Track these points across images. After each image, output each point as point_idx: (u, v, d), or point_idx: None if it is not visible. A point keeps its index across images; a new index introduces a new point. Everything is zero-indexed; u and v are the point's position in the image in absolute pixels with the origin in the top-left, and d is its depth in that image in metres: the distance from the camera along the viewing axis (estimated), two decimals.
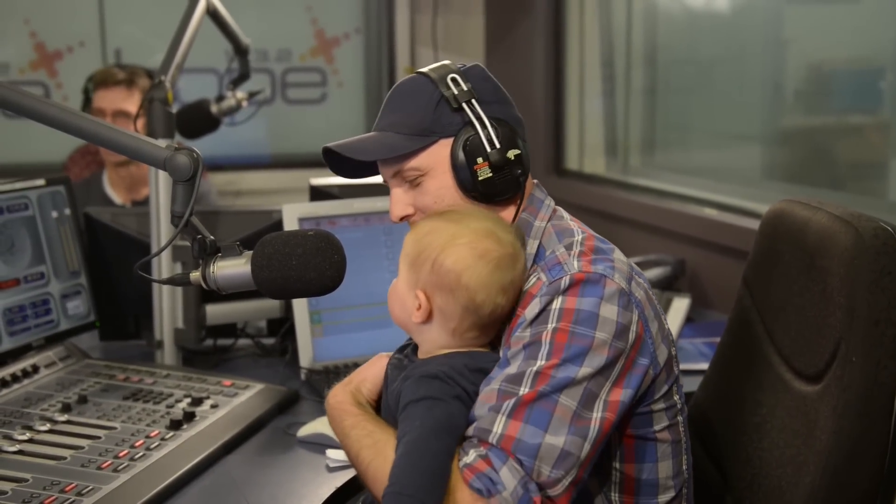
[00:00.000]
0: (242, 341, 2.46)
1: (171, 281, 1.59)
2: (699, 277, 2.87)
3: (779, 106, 3.23)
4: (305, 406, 2.04)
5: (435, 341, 1.44)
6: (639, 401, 1.42)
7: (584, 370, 1.34)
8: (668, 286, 2.75)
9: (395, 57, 4.20)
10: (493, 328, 1.44)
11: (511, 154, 1.50)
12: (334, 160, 1.55)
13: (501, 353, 1.42)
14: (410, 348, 1.51)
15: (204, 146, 3.45)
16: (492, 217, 1.46)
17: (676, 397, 1.49)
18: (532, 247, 1.50)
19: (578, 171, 3.85)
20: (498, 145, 1.49)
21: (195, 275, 1.56)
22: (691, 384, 2.15)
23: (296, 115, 4.38)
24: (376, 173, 1.59)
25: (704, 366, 2.22)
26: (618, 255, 1.47)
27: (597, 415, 1.34)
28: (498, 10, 4.14)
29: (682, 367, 2.22)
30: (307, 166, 4.19)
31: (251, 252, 1.53)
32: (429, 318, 1.42)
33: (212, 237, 1.56)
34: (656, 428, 1.45)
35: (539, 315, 1.39)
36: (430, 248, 1.42)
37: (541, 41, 3.83)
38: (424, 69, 1.55)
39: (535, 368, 1.34)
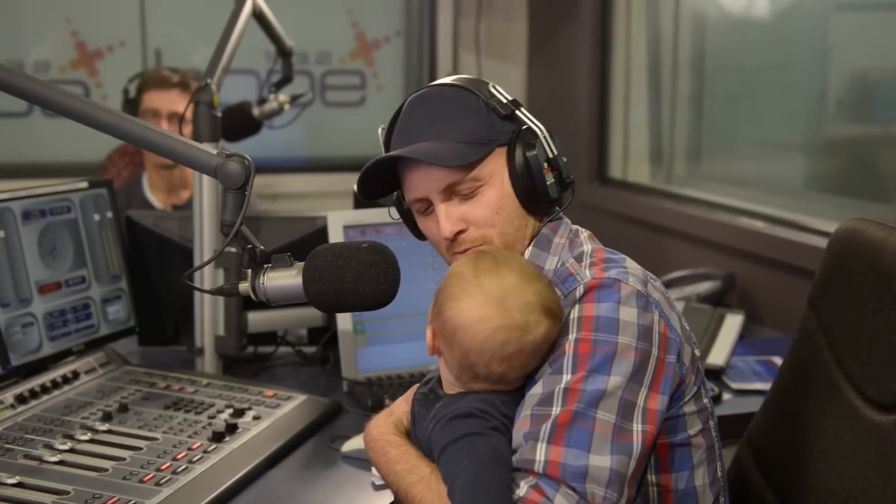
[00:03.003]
0: (283, 349, 2.42)
1: (221, 291, 1.55)
2: (749, 292, 2.80)
3: (823, 115, 3.16)
4: (348, 419, 1.99)
5: (447, 378, 1.40)
6: (670, 404, 1.36)
7: (614, 379, 1.29)
8: (718, 301, 2.68)
9: (436, 61, 4.15)
10: (506, 384, 1.35)
11: (563, 160, 1.48)
12: (364, 176, 1.48)
13: None
14: (436, 380, 1.45)
15: (242, 148, 3.41)
16: (526, 275, 1.35)
17: (705, 400, 1.44)
18: (552, 263, 1.46)
19: (622, 180, 3.78)
20: (556, 151, 1.46)
21: (244, 285, 1.52)
22: (746, 405, 2.10)
23: (334, 118, 4.34)
24: (387, 195, 1.55)
25: (759, 385, 2.18)
26: (630, 263, 1.44)
27: (637, 427, 1.29)
28: (542, 15, 4.09)
29: (736, 386, 2.19)
30: (345, 170, 4.16)
31: (302, 263, 1.49)
32: (439, 354, 1.38)
33: (262, 247, 1.51)
34: (690, 432, 1.40)
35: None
36: (444, 291, 1.36)
37: (585, 46, 3.76)
38: (446, 81, 1.51)
39: (562, 385, 1.30)
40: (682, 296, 2.64)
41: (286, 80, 2.94)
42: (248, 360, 2.35)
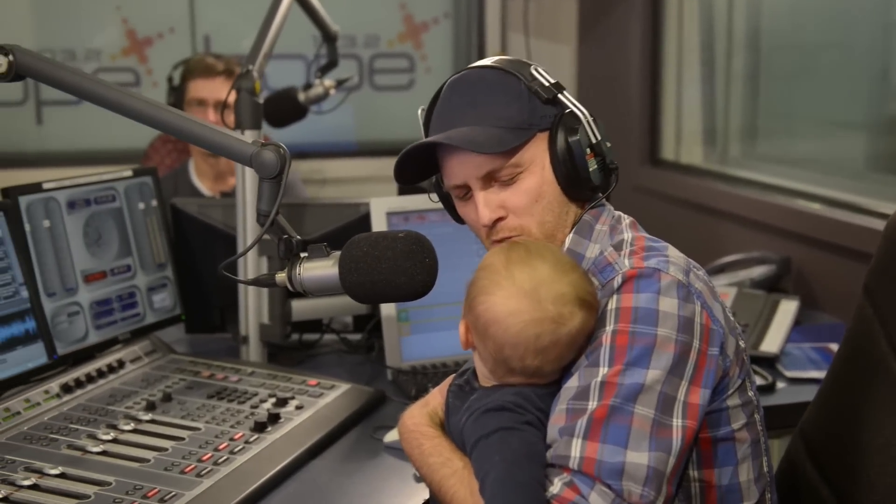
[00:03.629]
0: (328, 337, 2.41)
1: (257, 282, 1.54)
2: (805, 277, 2.72)
3: (886, 93, 3.05)
4: (392, 408, 1.97)
5: (482, 372, 1.36)
6: (713, 397, 1.31)
7: (653, 373, 1.24)
8: (772, 286, 2.61)
9: (484, 42, 4.10)
10: (541, 377, 1.31)
11: (607, 145, 1.43)
12: (401, 161, 1.45)
13: None
14: (471, 371, 1.41)
15: (289, 134, 3.45)
16: (560, 265, 1.31)
17: (751, 393, 1.39)
18: (593, 250, 1.41)
19: (675, 162, 3.69)
20: (599, 136, 1.42)
21: (281, 276, 1.50)
22: (801, 394, 2.04)
23: (383, 102, 4.31)
24: (426, 179, 1.51)
25: (814, 374, 2.11)
26: (672, 251, 1.38)
27: (677, 422, 1.25)
28: None
29: (791, 374, 2.13)
30: (394, 154, 4.12)
31: (339, 253, 1.46)
32: (473, 348, 1.35)
33: (298, 237, 1.49)
34: (734, 426, 1.35)
35: (596, 319, 1.30)
36: (475, 284, 1.32)
37: (637, 25, 3.68)
38: (488, 63, 1.46)
39: (599, 378, 1.25)
40: (736, 281, 2.57)
41: (331, 64, 2.92)
42: (292, 348, 2.34)
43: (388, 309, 2.14)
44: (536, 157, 1.40)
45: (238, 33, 4.03)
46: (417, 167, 1.48)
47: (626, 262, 1.34)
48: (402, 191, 2.39)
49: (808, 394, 1.95)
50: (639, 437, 1.22)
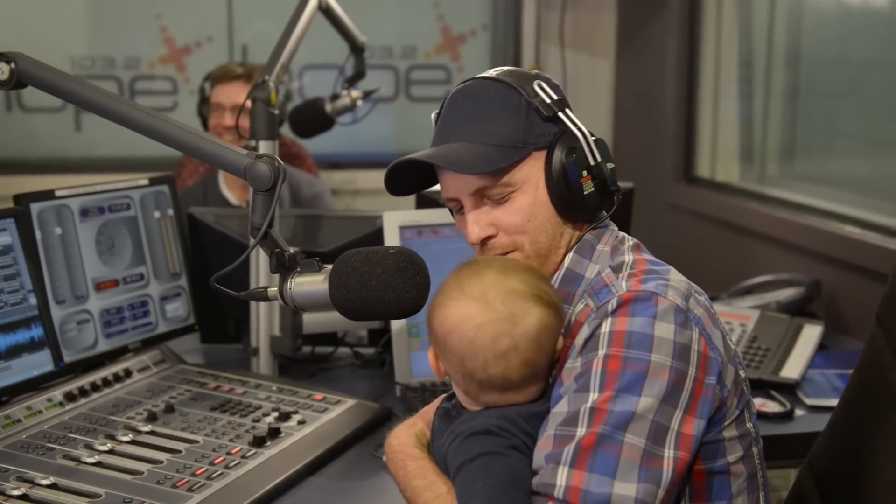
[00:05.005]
0: (342, 350, 2.39)
1: (250, 296, 1.52)
2: (836, 301, 2.64)
3: None
4: (397, 425, 1.94)
5: (460, 396, 1.32)
6: (708, 428, 1.26)
7: (645, 401, 1.20)
8: (800, 309, 2.53)
9: (520, 55, 4.06)
10: (517, 391, 1.28)
11: (608, 167, 1.38)
12: (392, 174, 1.42)
13: (554, 389, 1.29)
14: None
15: (325, 144, 3.45)
16: (507, 268, 1.29)
17: (749, 424, 1.34)
18: (592, 270, 1.37)
19: (710, 179, 3.62)
20: (599, 158, 1.37)
21: (273, 290, 1.48)
22: (820, 422, 1.94)
23: (419, 114, 4.29)
24: (425, 188, 1.47)
25: (835, 401, 2.02)
26: (674, 274, 1.33)
27: (669, 453, 1.20)
28: (630, 7, 3.96)
29: (811, 402, 2.06)
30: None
31: (330, 268, 1.44)
32: (447, 373, 1.31)
33: (291, 251, 1.47)
34: (730, 459, 1.30)
35: (588, 341, 1.26)
36: (431, 304, 1.30)
37: (674, 39, 3.62)
38: (493, 74, 1.42)
39: (588, 405, 1.21)
40: (762, 303, 2.50)
41: (359, 75, 2.90)
42: (305, 361, 2.32)
43: (398, 324, 2.11)
44: (531, 177, 1.37)
45: (275, 43, 4.03)
46: (412, 178, 1.45)
47: (623, 284, 1.30)
48: (420, 204, 2.36)
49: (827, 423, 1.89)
50: (628, 468, 1.18)
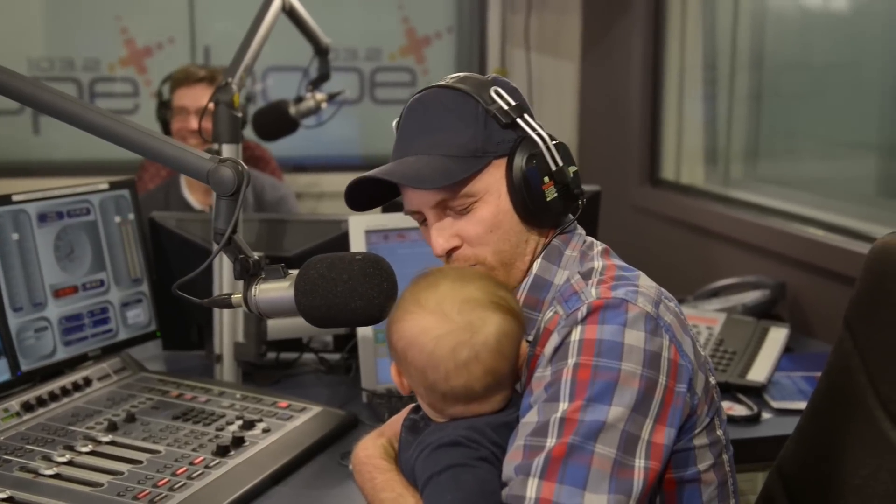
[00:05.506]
0: (307, 356, 2.36)
1: (213, 303, 1.49)
2: (800, 303, 2.65)
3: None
4: (364, 433, 1.89)
5: (426, 409, 1.30)
6: (679, 436, 1.25)
7: (616, 410, 1.18)
8: (766, 311, 2.54)
9: (486, 57, 4.05)
10: (483, 401, 1.25)
11: (571, 171, 1.37)
12: (352, 190, 1.40)
13: (523, 399, 1.28)
14: None
15: (289, 147, 3.41)
16: (463, 277, 1.28)
17: (720, 432, 1.33)
18: (561, 277, 1.36)
19: (675, 182, 3.63)
20: (560, 162, 1.36)
21: (237, 297, 1.46)
22: (787, 425, 1.94)
23: (384, 116, 4.27)
24: (388, 201, 1.45)
25: (802, 404, 2.02)
26: (644, 280, 1.32)
27: (640, 463, 1.18)
28: (595, 9, 3.96)
29: (778, 405, 2.06)
30: None
31: (296, 274, 1.41)
32: (411, 389, 1.29)
33: (255, 256, 1.45)
34: (700, 467, 1.29)
35: (557, 350, 1.25)
36: (388, 319, 1.29)
37: (639, 41, 3.63)
38: (448, 82, 1.39)
39: (558, 414, 1.19)
40: (728, 306, 2.51)
41: (323, 77, 2.88)
42: (269, 368, 2.29)
43: (364, 329, 2.09)
44: (492, 186, 1.35)
45: (238, 45, 3.99)
46: (377, 192, 1.43)
47: (593, 291, 1.28)
48: (385, 208, 2.33)
49: (794, 426, 1.88)
50: (598, 478, 1.16)
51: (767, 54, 3.42)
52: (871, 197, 2.98)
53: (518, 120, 1.35)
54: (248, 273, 1.44)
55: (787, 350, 2.28)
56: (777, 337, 2.20)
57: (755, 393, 2.10)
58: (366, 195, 1.42)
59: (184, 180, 3.18)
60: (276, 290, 1.42)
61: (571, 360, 1.22)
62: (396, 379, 1.30)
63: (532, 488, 1.16)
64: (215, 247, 2.08)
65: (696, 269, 3.14)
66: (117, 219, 2.15)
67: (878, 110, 3.00)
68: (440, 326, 1.22)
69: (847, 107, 3.08)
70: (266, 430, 1.82)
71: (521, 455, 1.19)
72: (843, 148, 3.15)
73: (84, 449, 1.70)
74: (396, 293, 1.39)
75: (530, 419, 1.22)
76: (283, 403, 1.95)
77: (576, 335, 1.24)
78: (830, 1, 3.21)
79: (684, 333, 1.28)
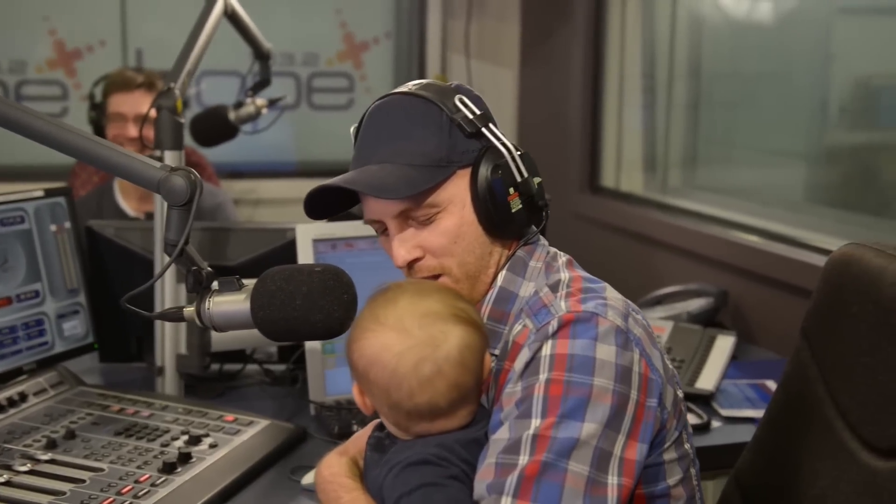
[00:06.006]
0: (251, 367, 2.30)
1: (163, 316, 1.44)
2: (743, 311, 2.68)
3: (825, 123, 3.05)
4: (313, 446, 1.87)
5: (391, 429, 1.27)
6: (649, 451, 1.24)
7: (589, 426, 1.16)
8: (710, 319, 2.56)
9: (425, 63, 4.03)
10: (448, 417, 1.23)
11: (536, 182, 1.35)
12: (311, 198, 1.37)
13: (493, 415, 1.25)
14: None
15: (224, 153, 3.34)
16: (421, 291, 1.26)
17: (687, 446, 1.33)
18: (527, 289, 1.34)
19: (615, 189, 3.65)
20: (526, 173, 1.33)
21: (189, 310, 1.41)
22: (736, 434, 1.98)
23: (321, 122, 4.22)
24: (346, 209, 1.42)
25: (750, 412, 2.06)
26: (611, 292, 1.31)
27: (613, 480, 1.17)
28: (535, 16, 3.97)
29: (727, 413, 2.07)
30: (332, 174, 4.03)
31: (252, 286, 1.37)
32: (374, 409, 1.26)
33: (209, 268, 1.40)
34: (670, 482, 1.28)
35: (528, 365, 1.22)
36: (348, 338, 1.26)
37: (579, 49, 3.64)
38: (411, 89, 1.36)
39: (531, 431, 1.17)
40: (672, 314, 2.52)
41: (264, 83, 2.82)
42: (212, 380, 2.23)
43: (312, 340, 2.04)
44: (456, 197, 1.32)
45: (172, 48, 3.88)
46: (335, 200, 1.39)
47: (563, 304, 1.26)
48: (334, 217, 2.29)
49: (743, 434, 1.90)
50: (572, 497, 1.14)
51: (704, 63, 3.47)
52: (800, 203, 3.04)
53: (483, 129, 1.33)
54: (200, 285, 1.39)
55: (732, 358, 2.30)
56: (724, 345, 2.21)
57: (703, 401, 2.11)
58: (323, 203, 1.38)
59: (118, 186, 3.09)
60: (230, 303, 1.38)
61: (543, 376, 1.20)
62: (359, 399, 1.27)
63: None
64: (165, 259, 2.03)
65: (638, 277, 3.16)
66: (53, 227, 2.08)
67: (804, 120, 3.07)
68: (401, 342, 1.20)
69: (776, 116, 3.15)
70: (213, 446, 1.77)
71: (492, 473, 1.16)
72: (774, 156, 3.21)
73: (22, 468, 1.63)
74: (356, 306, 1.36)
75: (501, 436, 1.19)
76: (230, 417, 1.90)
77: (546, 350, 1.21)
78: (761, 11, 3.27)
79: (653, 347, 1.27)
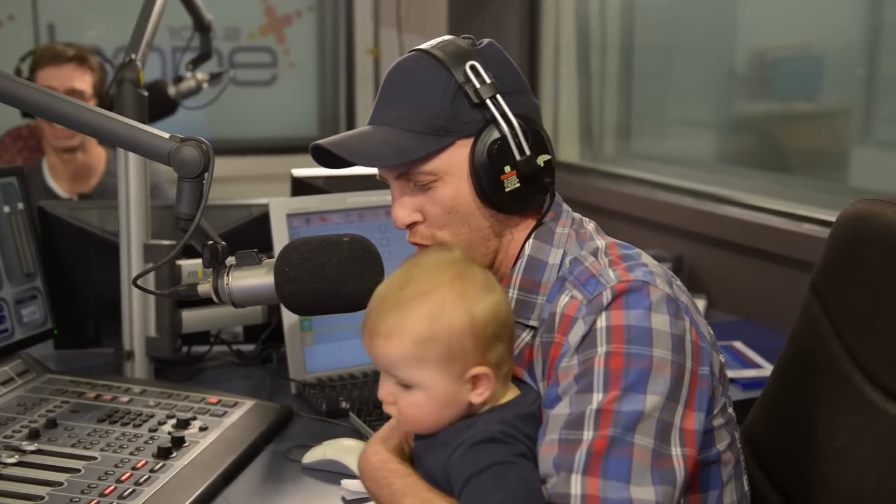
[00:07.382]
0: (217, 349, 2.23)
1: (176, 294, 1.37)
2: (698, 275, 2.72)
3: (731, 93, 3.16)
4: (301, 425, 1.83)
5: (484, 404, 1.22)
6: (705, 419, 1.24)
7: (651, 398, 1.15)
8: None
9: (353, 36, 3.96)
10: (503, 363, 1.23)
11: (541, 160, 1.29)
12: (318, 150, 1.31)
13: (545, 390, 1.23)
14: None
15: None
16: (451, 254, 1.25)
17: (730, 410, 1.33)
18: (556, 256, 1.30)
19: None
20: (528, 151, 1.28)
21: (204, 287, 1.34)
22: None
23: (244, 98, 4.11)
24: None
25: (730, 373, 2.08)
26: (647, 258, 1.30)
27: (676, 451, 1.15)
28: None
29: None
30: (258, 153, 3.94)
31: (272, 260, 1.32)
32: (489, 384, 1.21)
33: (224, 242, 1.34)
34: (720, 447, 1.28)
35: (584, 338, 1.19)
36: (454, 323, 1.17)
37: (514, 21, 3.63)
38: (431, 47, 1.31)
39: (594, 406, 1.15)
40: None
41: (204, 56, 2.73)
42: (180, 363, 2.15)
43: (289, 317, 1.99)
44: (453, 167, 1.28)
45: (84, 22, 3.76)
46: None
47: (612, 274, 1.23)
48: (297, 189, 2.24)
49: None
50: (641, 471, 1.12)
51: (634, 36, 3.51)
52: (712, 164, 3.15)
53: (488, 101, 1.27)
54: (217, 260, 1.33)
55: None
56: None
57: None
58: (334, 156, 1.32)
59: (46, 166, 2.95)
60: (252, 276, 1.32)
61: (602, 349, 1.17)
62: (389, 396, 1.21)
63: (577, 485, 1.11)
64: (134, 238, 1.95)
65: None
66: (6, 209, 1.96)
67: (714, 91, 3.18)
68: (452, 289, 1.17)
69: (692, 87, 3.24)
70: (203, 429, 1.71)
71: (556, 449, 1.14)
72: (692, 125, 3.32)
73: (10, 460, 1.54)
74: (384, 277, 1.32)
75: (561, 411, 1.17)
76: (213, 399, 1.84)
77: (602, 321, 1.19)
78: None
79: (698, 313, 1.27)
